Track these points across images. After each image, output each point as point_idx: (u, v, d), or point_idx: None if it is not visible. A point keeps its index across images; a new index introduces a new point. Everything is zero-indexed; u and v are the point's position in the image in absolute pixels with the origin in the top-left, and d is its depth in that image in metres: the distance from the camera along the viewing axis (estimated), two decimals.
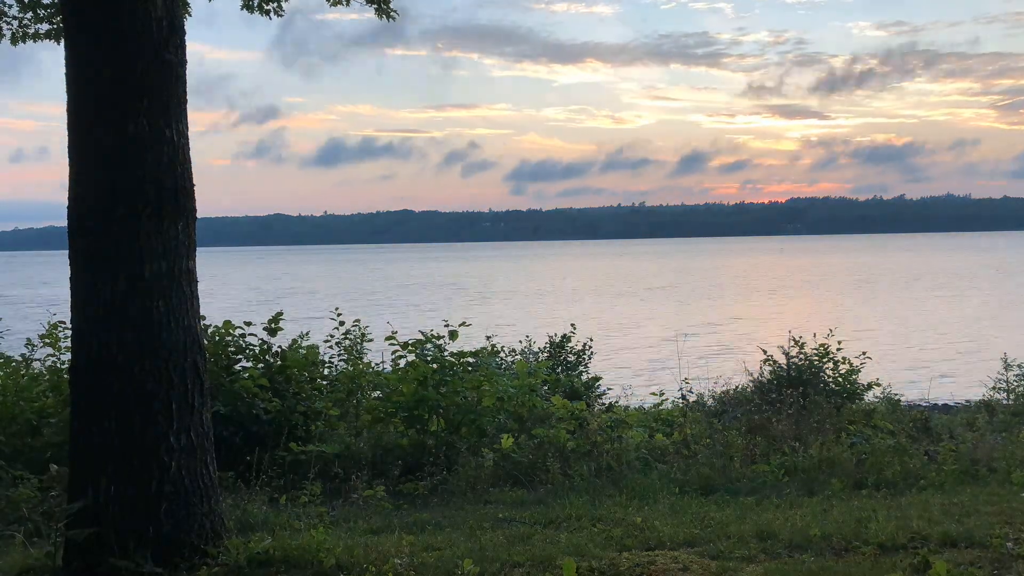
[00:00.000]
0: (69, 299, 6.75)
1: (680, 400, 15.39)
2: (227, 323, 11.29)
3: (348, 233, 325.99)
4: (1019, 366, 17.91)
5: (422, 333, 12.22)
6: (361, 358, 13.57)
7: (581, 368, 18.87)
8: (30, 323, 14.56)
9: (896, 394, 17.47)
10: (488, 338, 15.20)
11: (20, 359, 11.74)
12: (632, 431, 10.94)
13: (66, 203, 6.71)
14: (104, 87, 6.56)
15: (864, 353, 16.79)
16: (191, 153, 6.85)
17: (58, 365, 11.24)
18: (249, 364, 11.15)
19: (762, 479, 9.68)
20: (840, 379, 16.16)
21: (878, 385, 16.61)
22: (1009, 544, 6.89)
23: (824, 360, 16.38)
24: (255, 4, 10.57)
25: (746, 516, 8.03)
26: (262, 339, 11.39)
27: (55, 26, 10.72)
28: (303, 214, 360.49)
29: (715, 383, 17.55)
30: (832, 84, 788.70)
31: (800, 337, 16.71)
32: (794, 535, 7.29)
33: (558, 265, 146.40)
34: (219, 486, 7.09)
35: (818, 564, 6.59)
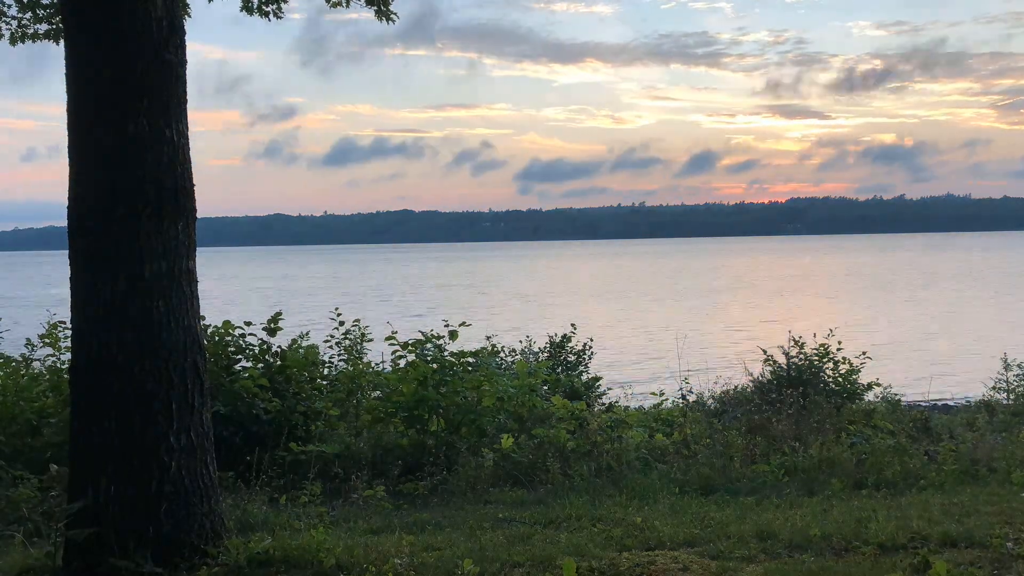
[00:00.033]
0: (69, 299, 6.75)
1: (680, 400, 15.42)
2: (227, 323, 11.29)
3: (348, 233, 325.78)
4: (1019, 366, 17.95)
5: (422, 333, 12.23)
6: (361, 358, 13.57)
7: (581, 368, 18.89)
8: (30, 323, 14.53)
9: (896, 394, 17.53)
10: (488, 338, 15.22)
11: (20, 359, 11.73)
12: (632, 431, 10.94)
13: (66, 203, 6.71)
14: (104, 87, 6.56)
15: (864, 353, 16.82)
16: (191, 153, 6.85)
17: (58, 365, 11.24)
18: (249, 364, 11.15)
19: (762, 479, 9.68)
20: (840, 379, 16.19)
21: (878, 385, 16.65)
22: (1009, 544, 6.89)
23: (824, 360, 16.41)
24: (254, 6, 10.56)
25: (746, 516, 8.03)
26: (262, 339, 11.40)
27: (55, 26, 10.70)
28: (303, 214, 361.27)
29: (715, 383, 17.58)
30: (832, 84, 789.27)
31: (800, 337, 16.73)
32: (794, 535, 7.28)
33: (558, 265, 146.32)
34: (219, 486, 7.09)
35: (818, 564, 6.59)
